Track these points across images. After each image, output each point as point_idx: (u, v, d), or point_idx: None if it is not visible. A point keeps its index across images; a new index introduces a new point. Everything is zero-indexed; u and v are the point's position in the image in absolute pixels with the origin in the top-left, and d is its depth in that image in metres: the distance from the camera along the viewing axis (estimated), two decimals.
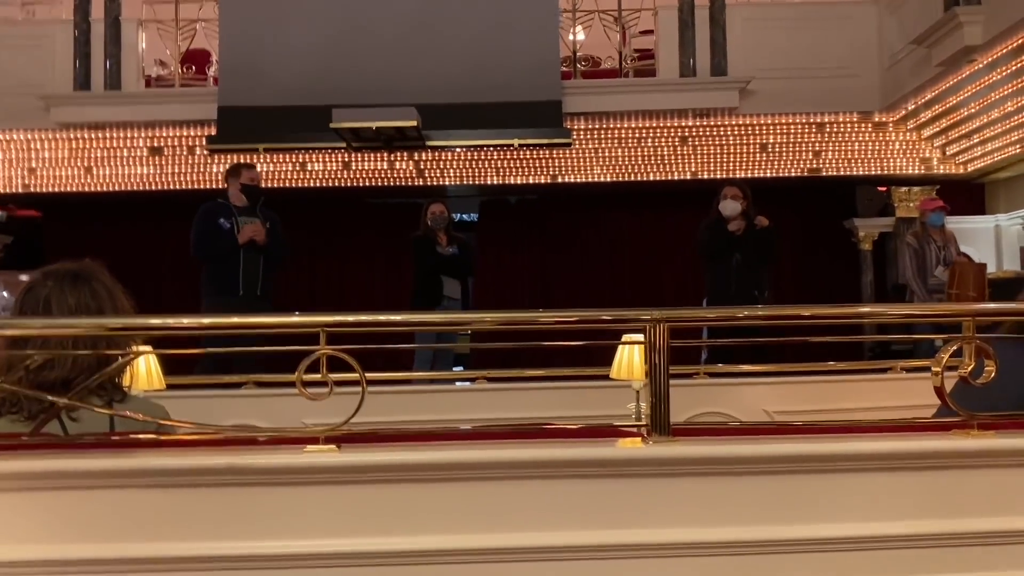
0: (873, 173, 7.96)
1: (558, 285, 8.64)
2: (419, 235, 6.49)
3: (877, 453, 1.45)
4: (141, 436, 1.64)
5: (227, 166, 6.35)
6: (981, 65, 6.07)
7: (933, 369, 1.57)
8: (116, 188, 7.87)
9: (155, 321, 1.67)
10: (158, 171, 7.85)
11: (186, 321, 1.73)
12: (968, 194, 8.50)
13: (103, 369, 1.72)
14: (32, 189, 7.90)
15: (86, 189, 7.87)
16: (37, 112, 7.53)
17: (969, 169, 7.95)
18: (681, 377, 3.38)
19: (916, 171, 7.99)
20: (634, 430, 1.62)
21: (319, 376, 1.46)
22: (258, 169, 6.16)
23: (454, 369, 5.70)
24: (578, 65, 7.82)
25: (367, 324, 1.61)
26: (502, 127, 7.27)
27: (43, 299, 1.80)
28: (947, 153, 7.87)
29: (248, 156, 7.66)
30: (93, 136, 7.81)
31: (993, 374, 1.56)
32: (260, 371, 3.50)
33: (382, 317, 1.66)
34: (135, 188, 7.86)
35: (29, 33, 7.83)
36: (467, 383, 3.63)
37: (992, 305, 1.74)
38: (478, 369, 3.64)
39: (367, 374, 1.48)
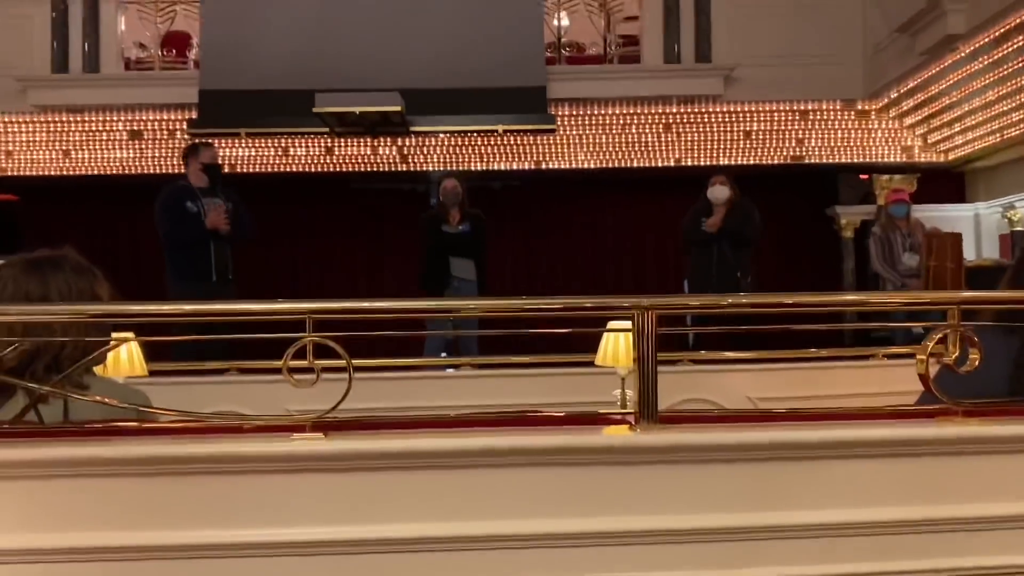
0: (855, 161, 8.01)
1: (541, 271, 8.64)
2: (427, 214, 6.31)
3: (865, 440, 1.45)
4: (122, 424, 1.62)
5: (182, 148, 6.20)
6: (963, 54, 6.10)
7: (918, 357, 1.58)
8: (95, 172, 7.78)
9: (136, 308, 1.65)
10: (138, 155, 7.77)
11: (167, 308, 1.71)
12: (949, 182, 8.56)
13: (58, 357, 1.69)
14: (9, 172, 7.80)
15: (65, 173, 7.78)
16: (14, 94, 7.42)
17: (950, 157, 8.00)
18: (665, 364, 3.38)
19: (898, 159, 8.04)
20: (620, 418, 1.62)
21: (305, 363, 1.45)
22: (216, 148, 6.02)
23: (441, 355, 5.60)
24: (563, 51, 7.80)
25: (353, 311, 1.60)
26: (486, 112, 7.24)
27: None
28: (928, 141, 7.92)
29: (231, 140, 7.61)
30: (72, 119, 7.71)
31: (977, 362, 1.56)
32: (233, 358, 3.44)
33: (366, 304, 1.64)
34: (115, 172, 7.78)
35: (6, 14, 7.69)
36: (451, 369, 3.63)
37: (978, 293, 1.74)
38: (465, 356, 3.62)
39: (353, 360, 1.47)
